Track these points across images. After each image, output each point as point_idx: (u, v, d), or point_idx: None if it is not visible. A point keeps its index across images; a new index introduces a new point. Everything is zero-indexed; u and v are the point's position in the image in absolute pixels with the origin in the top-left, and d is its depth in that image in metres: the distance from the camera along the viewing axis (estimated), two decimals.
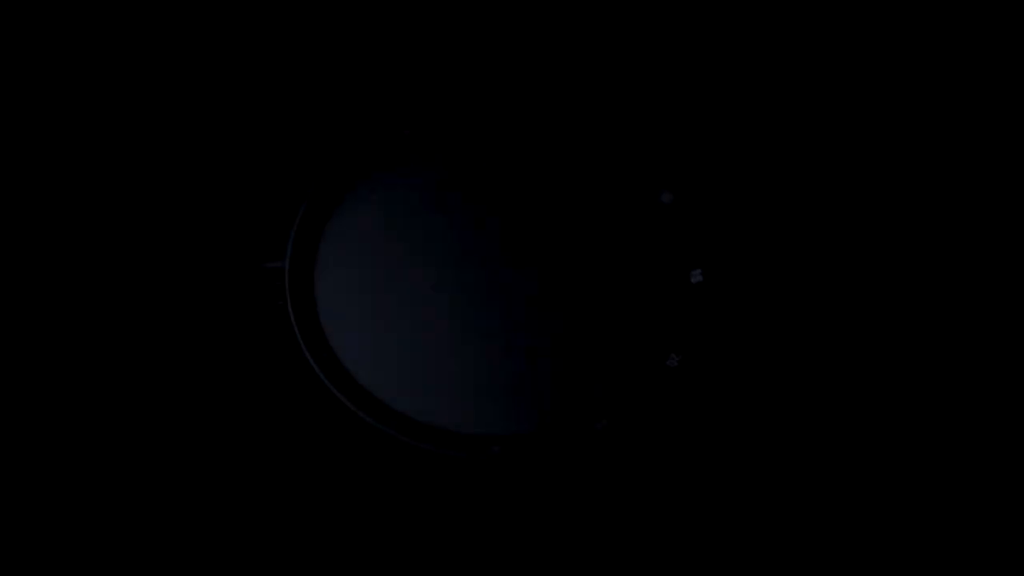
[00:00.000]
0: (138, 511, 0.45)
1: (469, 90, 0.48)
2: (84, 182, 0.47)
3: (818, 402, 0.45)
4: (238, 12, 0.48)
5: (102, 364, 0.45)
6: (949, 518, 0.45)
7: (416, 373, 0.44)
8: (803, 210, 0.47)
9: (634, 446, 0.44)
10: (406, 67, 0.48)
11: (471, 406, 0.44)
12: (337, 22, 0.48)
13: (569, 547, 0.44)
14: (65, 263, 0.46)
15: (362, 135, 0.47)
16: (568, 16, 0.48)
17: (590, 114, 0.48)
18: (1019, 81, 0.48)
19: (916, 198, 0.47)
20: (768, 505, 0.45)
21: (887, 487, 0.45)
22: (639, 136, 0.47)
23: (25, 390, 0.45)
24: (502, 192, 0.47)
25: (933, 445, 0.45)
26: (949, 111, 0.48)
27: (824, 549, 0.44)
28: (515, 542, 0.44)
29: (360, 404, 0.44)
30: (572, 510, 0.44)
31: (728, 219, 0.46)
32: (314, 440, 0.45)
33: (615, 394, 0.44)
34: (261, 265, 0.46)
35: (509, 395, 0.44)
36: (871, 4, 0.48)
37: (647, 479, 0.44)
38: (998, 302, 0.46)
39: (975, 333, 0.46)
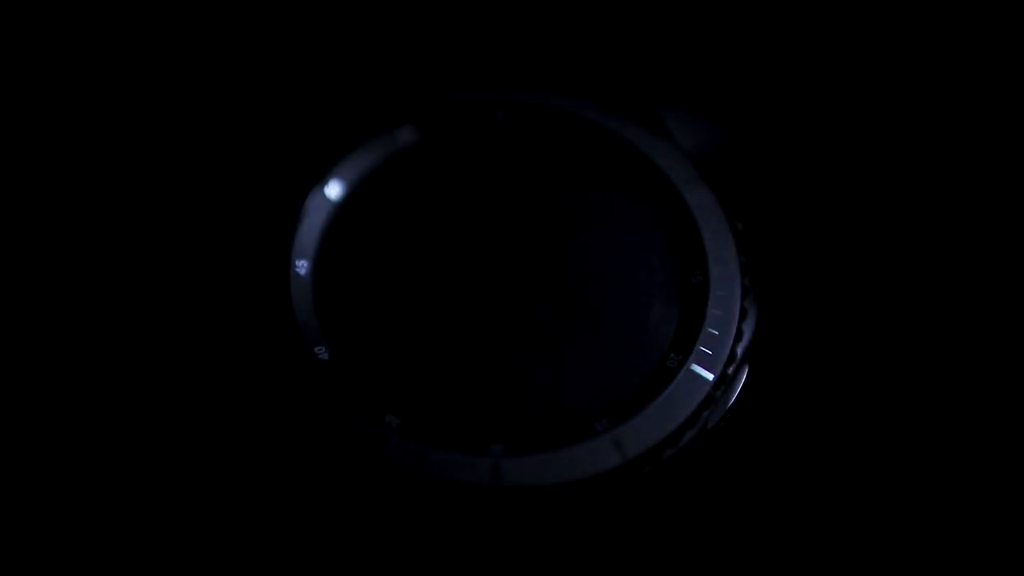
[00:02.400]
0: (136, 513, 0.45)
1: (471, 91, 0.48)
2: (83, 182, 0.47)
3: (826, 403, 0.45)
4: (238, 11, 0.48)
5: (100, 364, 0.45)
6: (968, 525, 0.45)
7: (416, 373, 0.44)
8: (807, 208, 0.47)
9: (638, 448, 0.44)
10: (409, 68, 0.48)
11: (471, 406, 0.44)
12: (339, 22, 0.48)
13: (568, 547, 0.44)
14: (64, 263, 0.46)
15: (362, 135, 0.47)
16: (567, 15, 0.49)
17: (590, 113, 0.48)
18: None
19: (928, 198, 0.47)
20: (778, 511, 0.45)
21: (903, 496, 0.45)
22: (639, 135, 0.47)
23: (23, 390, 0.45)
24: (503, 192, 0.47)
25: (939, 443, 0.45)
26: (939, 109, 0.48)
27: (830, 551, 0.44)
28: (514, 543, 0.44)
29: (359, 404, 0.44)
30: (572, 510, 0.44)
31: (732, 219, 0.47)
32: (313, 441, 0.45)
33: (615, 394, 0.44)
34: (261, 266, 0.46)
35: (509, 395, 0.44)
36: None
37: (648, 478, 0.44)
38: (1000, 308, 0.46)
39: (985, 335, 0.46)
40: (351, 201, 0.47)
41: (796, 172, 0.47)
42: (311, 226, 0.46)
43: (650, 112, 0.48)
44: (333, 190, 0.47)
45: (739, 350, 0.45)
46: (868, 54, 0.48)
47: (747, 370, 0.45)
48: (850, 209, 0.47)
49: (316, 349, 0.45)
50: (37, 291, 0.46)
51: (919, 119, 0.48)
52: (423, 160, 0.48)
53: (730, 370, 0.44)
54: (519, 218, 0.46)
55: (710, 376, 0.44)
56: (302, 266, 0.46)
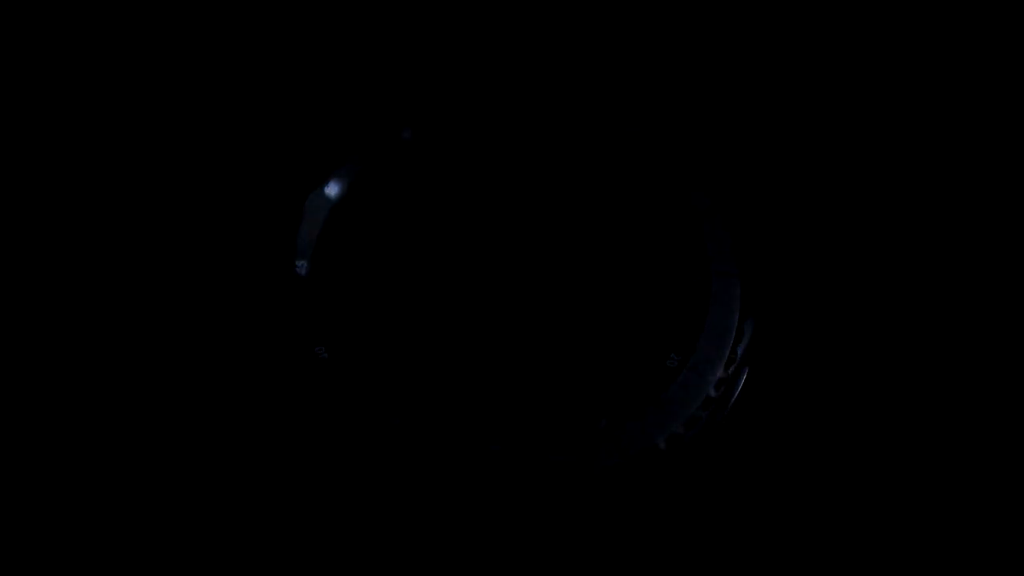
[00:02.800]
0: (137, 512, 0.45)
1: (469, 90, 0.48)
2: (85, 183, 0.47)
3: (826, 403, 0.45)
4: (238, 11, 0.48)
5: (103, 365, 0.45)
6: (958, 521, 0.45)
7: (416, 372, 0.44)
8: (807, 210, 0.47)
9: (635, 445, 0.44)
10: (406, 67, 0.48)
11: (471, 406, 0.44)
12: (337, 21, 0.48)
13: (568, 547, 0.44)
14: (65, 264, 0.46)
15: (362, 136, 0.47)
16: (566, 15, 0.49)
17: (590, 113, 0.48)
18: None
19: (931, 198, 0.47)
20: (778, 511, 0.45)
21: (899, 492, 0.45)
22: (639, 137, 0.47)
23: (25, 390, 0.45)
24: (503, 192, 0.47)
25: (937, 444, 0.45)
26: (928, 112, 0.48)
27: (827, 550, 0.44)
28: (514, 542, 0.44)
29: (360, 405, 0.44)
30: (572, 510, 0.44)
31: (729, 219, 0.47)
32: (314, 441, 0.45)
33: (615, 394, 0.44)
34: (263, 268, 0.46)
35: (509, 395, 0.44)
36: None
37: (649, 478, 0.44)
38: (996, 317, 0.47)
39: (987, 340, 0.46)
40: (351, 201, 0.47)
41: (797, 173, 0.47)
42: (311, 226, 0.46)
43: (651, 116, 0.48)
44: (333, 190, 0.47)
45: (739, 350, 0.45)
46: (865, 56, 0.48)
47: (747, 370, 0.45)
48: (850, 212, 0.47)
49: (316, 349, 0.45)
50: (34, 288, 0.46)
51: (916, 124, 0.48)
52: (422, 160, 0.48)
53: (730, 370, 0.44)
54: (519, 218, 0.46)
55: (710, 376, 0.44)
56: (302, 266, 0.46)
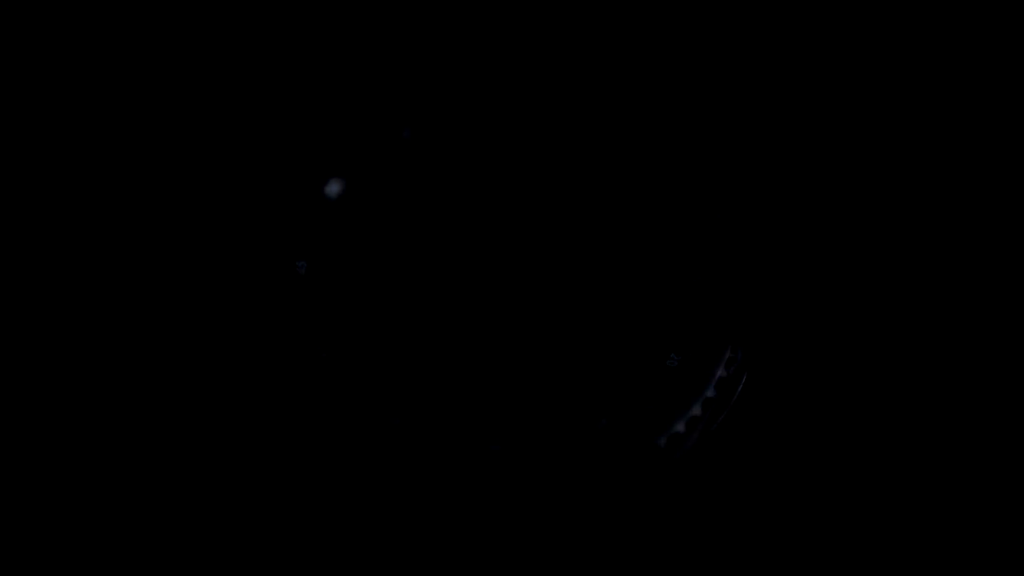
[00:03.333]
0: (137, 512, 0.45)
1: (469, 90, 0.48)
2: (85, 184, 0.47)
3: (826, 403, 0.45)
4: (239, 11, 0.48)
5: (103, 364, 0.45)
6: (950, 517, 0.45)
7: (416, 372, 0.44)
8: (807, 211, 0.47)
9: (634, 445, 0.44)
10: (406, 67, 0.48)
11: (471, 405, 0.44)
12: (338, 21, 0.48)
13: (567, 546, 0.44)
14: (69, 264, 0.46)
15: (362, 136, 0.47)
16: (563, 14, 0.49)
17: (589, 114, 0.48)
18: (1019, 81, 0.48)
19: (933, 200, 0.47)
20: (777, 510, 0.45)
21: (893, 489, 0.45)
22: (637, 139, 0.47)
23: (24, 389, 0.45)
24: (503, 192, 0.47)
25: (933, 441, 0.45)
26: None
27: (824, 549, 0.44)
28: (514, 541, 0.44)
29: (360, 405, 0.44)
30: (572, 509, 0.44)
31: (725, 220, 0.47)
32: (314, 441, 0.45)
33: (615, 394, 0.44)
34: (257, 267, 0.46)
35: (509, 394, 0.44)
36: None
37: (648, 478, 0.44)
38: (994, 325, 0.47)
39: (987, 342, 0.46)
40: (351, 201, 0.47)
41: (798, 175, 0.47)
42: (311, 226, 0.46)
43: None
44: (333, 190, 0.47)
45: (739, 350, 0.45)
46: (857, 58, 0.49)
47: (747, 371, 0.45)
48: (850, 214, 0.47)
49: (316, 347, 0.45)
50: (34, 288, 0.46)
51: (916, 127, 0.48)
52: (422, 160, 0.48)
53: (730, 370, 0.44)
54: (520, 219, 0.47)
55: (710, 376, 0.44)
56: (302, 266, 0.46)
